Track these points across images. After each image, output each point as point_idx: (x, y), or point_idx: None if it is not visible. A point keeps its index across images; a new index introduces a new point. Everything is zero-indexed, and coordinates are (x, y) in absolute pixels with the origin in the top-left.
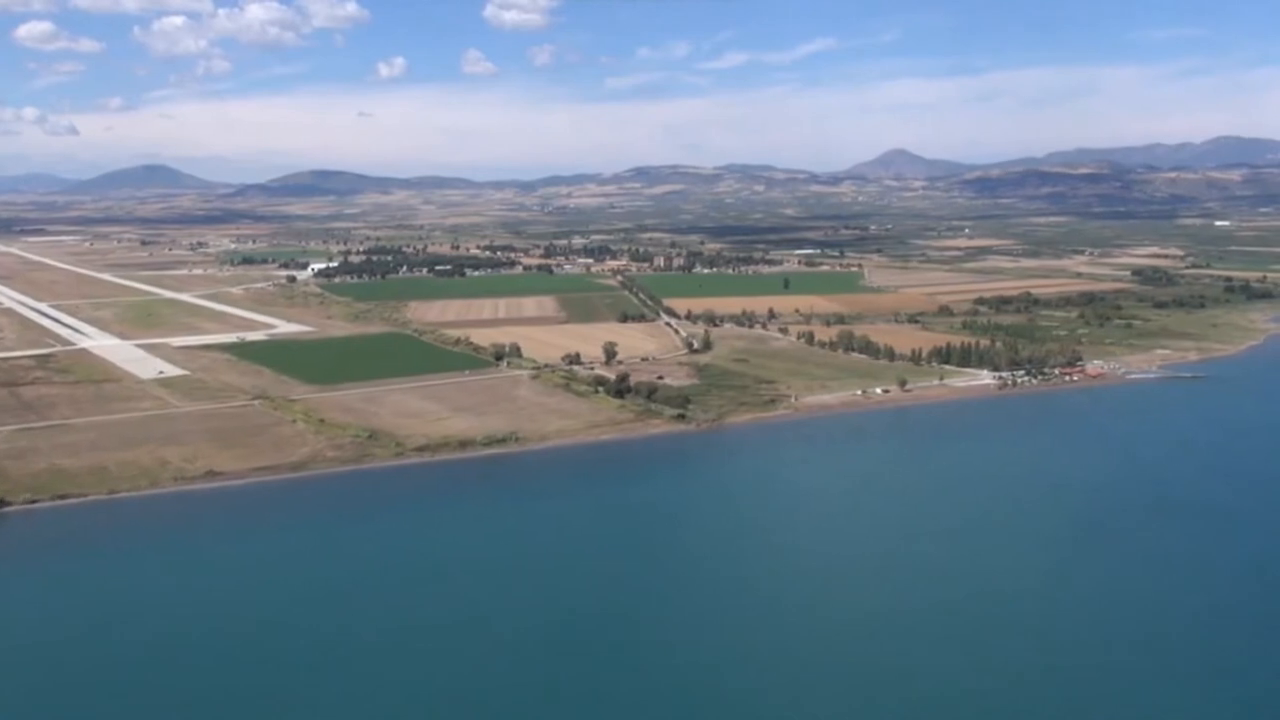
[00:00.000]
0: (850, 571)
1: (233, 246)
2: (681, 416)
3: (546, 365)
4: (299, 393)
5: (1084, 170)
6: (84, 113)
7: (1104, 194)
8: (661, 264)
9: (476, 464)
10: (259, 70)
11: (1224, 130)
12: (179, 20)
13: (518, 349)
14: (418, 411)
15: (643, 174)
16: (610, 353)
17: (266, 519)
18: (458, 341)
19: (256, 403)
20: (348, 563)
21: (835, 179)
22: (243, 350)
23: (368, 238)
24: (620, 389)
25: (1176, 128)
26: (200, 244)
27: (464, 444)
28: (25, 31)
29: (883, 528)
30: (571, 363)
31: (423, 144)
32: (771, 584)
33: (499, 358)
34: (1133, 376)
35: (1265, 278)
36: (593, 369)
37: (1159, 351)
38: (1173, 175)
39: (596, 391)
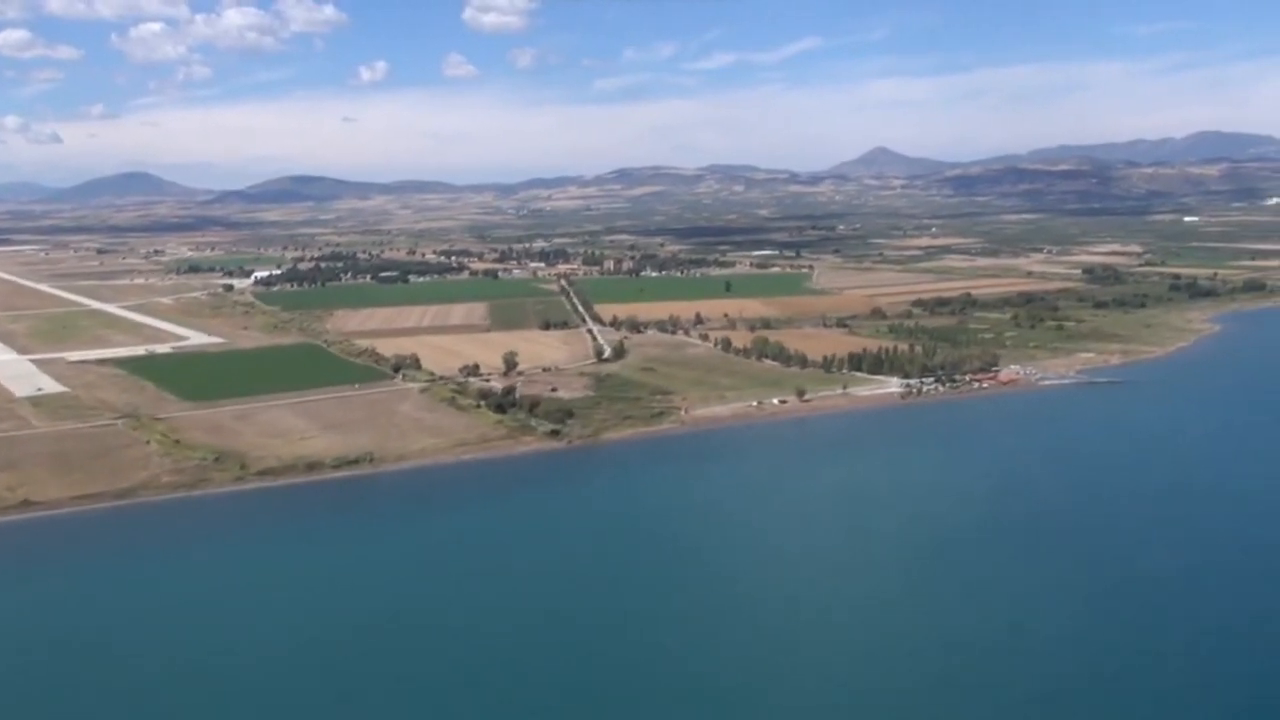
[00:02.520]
0: (662, 604)
1: (190, 254)
2: (556, 433)
3: (442, 378)
4: (172, 410)
5: (1062, 167)
6: (67, 121)
7: (1081, 190)
8: (611, 267)
9: (319, 489)
10: (243, 76)
11: (1207, 125)
12: (156, 27)
13: (417, 360)
14: (286, 430)
15: (624, 176)
16: (511, 363)
17: (45, 557)
18: (362, 353)
19: (120, 423)
20: (96, 611)
21: (816, 178)
22: (138, 365)
23: (330, 243)
24: (502, 403)
25: (1160, 123)
26: (158, 252)
27: (312, 466)
28: (1, 39)
29: (715, 556)
30: (469, 374)
31: (407, 148)
32: (576, 621)
33: (397, 370)
34: (1047, 382)
35: (1216, 275)
36: (488, 380)
37: (1082, 355)
38: (1150, 171)
39: (479, 406)
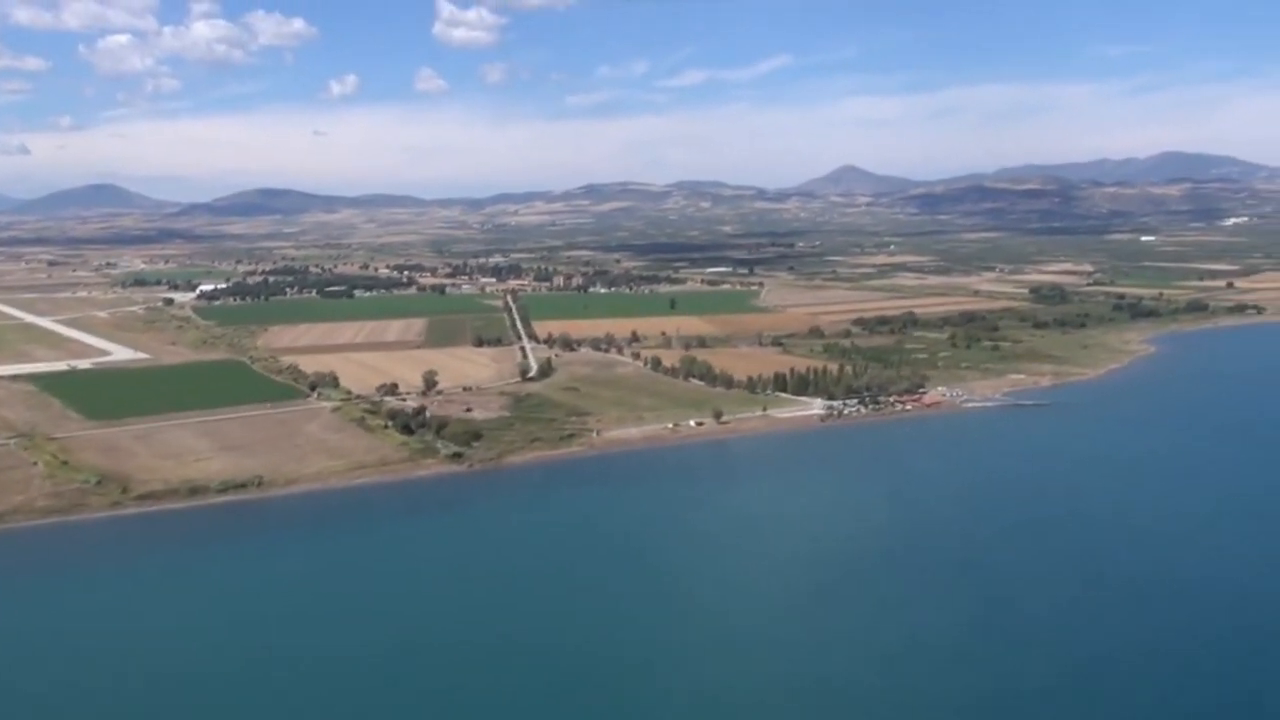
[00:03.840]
0: (520, 637)
1: (143, 267)
2: (459, 456)
3: (358, 397)
4: (72, 429)
5: (1026, 186)
6: (35, 132)
7: (1043, 209)
8: (561, 283)
9: (198, 514)
10: (213, 89)
11: (1172, 146)
12: (124, 38)
13: (335, 379)
14: (183, 451)
15: (592, 191)
16: (430, 382)
17: None
18: (284, 370)
19: (12, 442)
20: None
21: (783, 195)
22: (52, 381)
23: (286, 257)
24: (410, 424)
25: (1126, 143)
26: (110, 265)
27: (195, 491)
28: None
29: (587, 587)
30: (387, 393)
31: (378, 162)
32: (430, 655)
33: (313, 388)
34: (971, 405)
35: (1161, 294)
36: (404, 400)
37: (1013, 376)
38: (1113, 190)
39: (387, 427)
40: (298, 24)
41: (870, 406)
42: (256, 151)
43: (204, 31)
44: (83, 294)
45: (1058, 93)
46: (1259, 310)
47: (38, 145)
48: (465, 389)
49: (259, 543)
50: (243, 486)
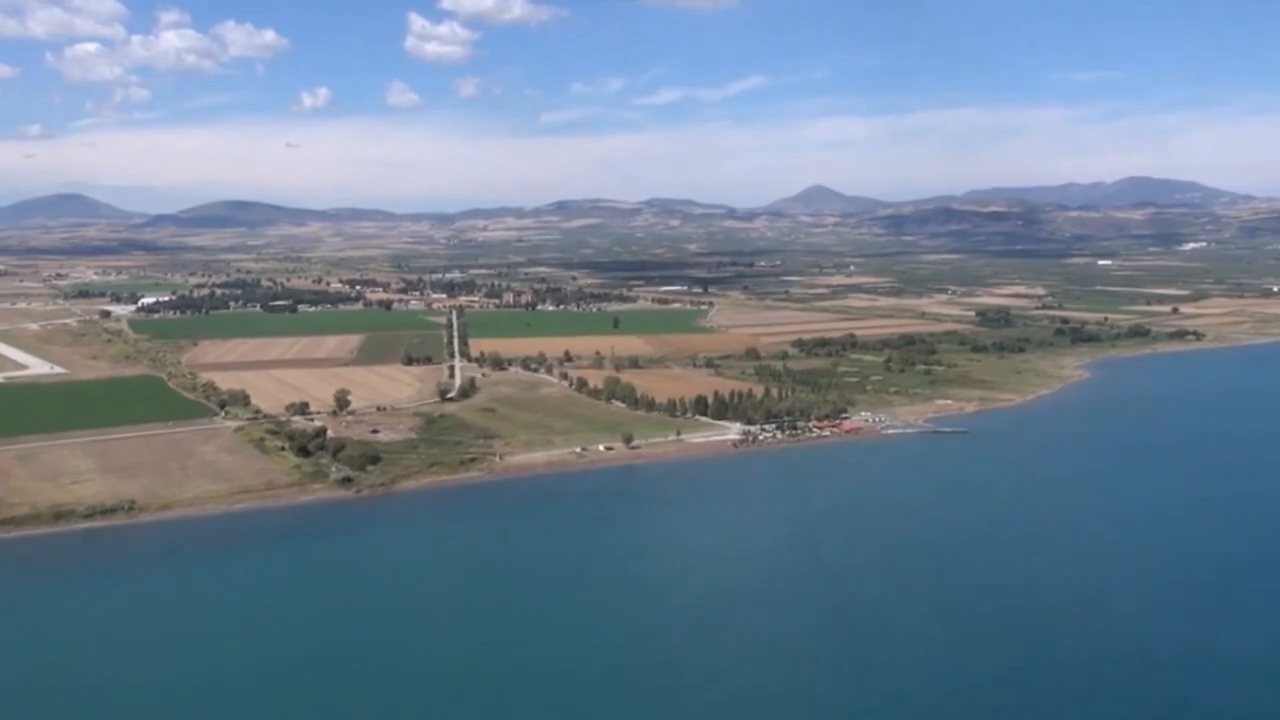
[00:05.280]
0: (369, 676)
1: (95, 278)
2: (349, 480)
3: (265, 416)
4: None
5: (992, 208)
6: (3, 140)
7: (1008, 231)
8: (510, 300)
9: (57, 541)
10: (185, 100)
11: (1137, 171)
12: (91, 47)
13: (246, 397)
14: (64, 472)
15: (563, 208)
16: (342, 402)
17: None
18: (198, 387)
19: None
20: None
21: (752, 214)
22: None
23: (243, 270)
24: (307, 446)
25: (1093, 168)
26: (61, 276)
27: (60, 516)
28: None
29: (446, 623)
30: (296, 413)
31: (351, 176)
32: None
33: (222, 406)
34: (891, 431)
35: (1106, 319)
36: (312, 420)
37: (940, 402)
38: (1076, 214)
39: (284, 449)
40: (268, 35)
41: (787, 432)
42: (228, 163)
43: (173, 41)
44: (22, 305)
45: (1027, 117)
46: (1198, 337)
47: (5, 153)
48: (379, 409)
49: (105, 576)
50: (111, 512)
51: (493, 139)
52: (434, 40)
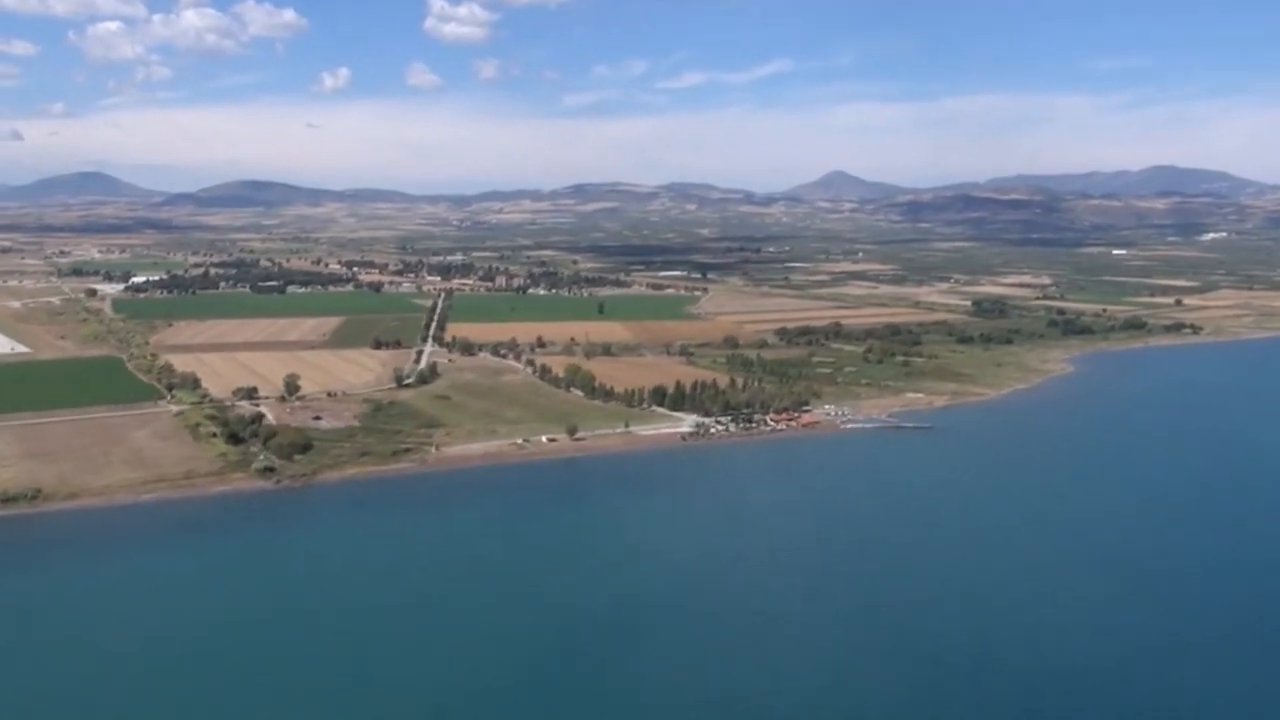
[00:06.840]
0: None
1: (97, 256)
2: (270, 470)
3: (212, 400)
4: None
5: (1012, 196)
6: (28, 118)
7: (1026, 220)
8: (503, 284)
9: None
10: (207, 80)
11: (1165, 160)
12: (113, 25)
13: (196, 380)
14: None
15: (580, 191)
16: (292, 386)
17: None
18: (154, 370)
19: None
20: None
21: (770, 199)
22: None
23: (247, 249)
24: (238, 433)
25: (1120, 157)
26: (64, 253)
27: None
28: None
29: (336, 628)
30: (244, 397)
31: (370, 157)
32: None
33: (170, 389)
34: (851, 426)
35: (1104, 311)
36: (258, 405)
37: (909, 395)
38: (1097, 203)
39: (215, 435)
40: (288, 15)
41: (741, 425)
42: (250, 143)
43: (194, 20)
44: (13, 283)
45: (1054, 104)
46: (1195, 330)
47: (30, 131)
48: (329, 395)
49: None
50: (14, 500)
51: (513, 121)
52: (454, 21)
